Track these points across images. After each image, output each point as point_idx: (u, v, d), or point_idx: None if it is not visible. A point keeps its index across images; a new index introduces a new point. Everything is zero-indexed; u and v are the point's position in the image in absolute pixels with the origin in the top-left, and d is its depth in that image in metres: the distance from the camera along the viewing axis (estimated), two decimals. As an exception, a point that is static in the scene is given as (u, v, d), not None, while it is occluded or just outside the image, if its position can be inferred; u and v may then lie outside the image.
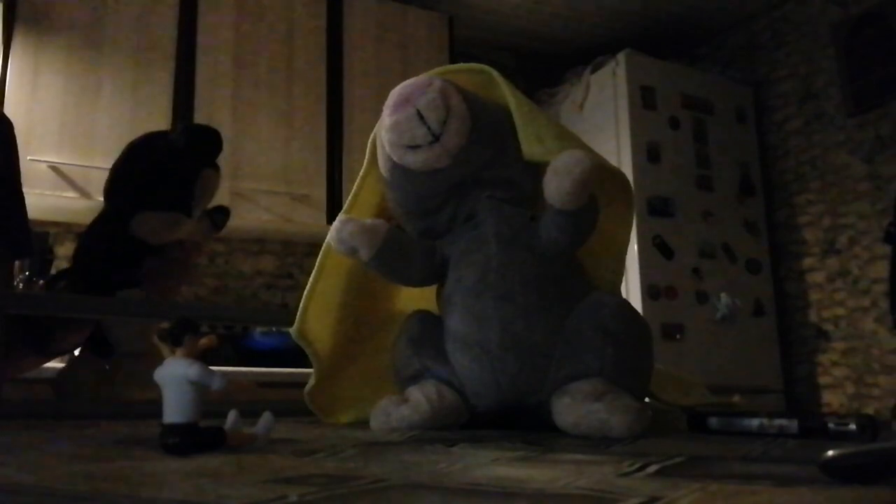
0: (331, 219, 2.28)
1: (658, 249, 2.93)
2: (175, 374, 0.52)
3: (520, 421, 0.79)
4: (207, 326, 2.10)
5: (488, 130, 0.82)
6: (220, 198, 1.35)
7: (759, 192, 3.28)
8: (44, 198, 2.31)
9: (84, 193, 2.35)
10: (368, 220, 0.82)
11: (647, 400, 0.86)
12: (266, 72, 2.72)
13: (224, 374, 0.53)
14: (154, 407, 0.55)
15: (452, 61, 2.89)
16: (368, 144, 0.90)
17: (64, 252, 2.44)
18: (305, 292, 0.87)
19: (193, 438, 0.52)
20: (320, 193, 2.71)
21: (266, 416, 0.58)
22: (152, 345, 1.22)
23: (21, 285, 2.02)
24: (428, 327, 0.83)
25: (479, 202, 0.83)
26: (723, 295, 3.00)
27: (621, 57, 3.08)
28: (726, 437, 0.68)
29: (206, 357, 0.62)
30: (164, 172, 1.21)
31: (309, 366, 0.88)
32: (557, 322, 0.77)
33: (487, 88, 0.87)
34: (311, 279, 0.87)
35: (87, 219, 1.30)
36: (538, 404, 0.77)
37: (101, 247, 1.21)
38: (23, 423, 0.78)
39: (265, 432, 0.58)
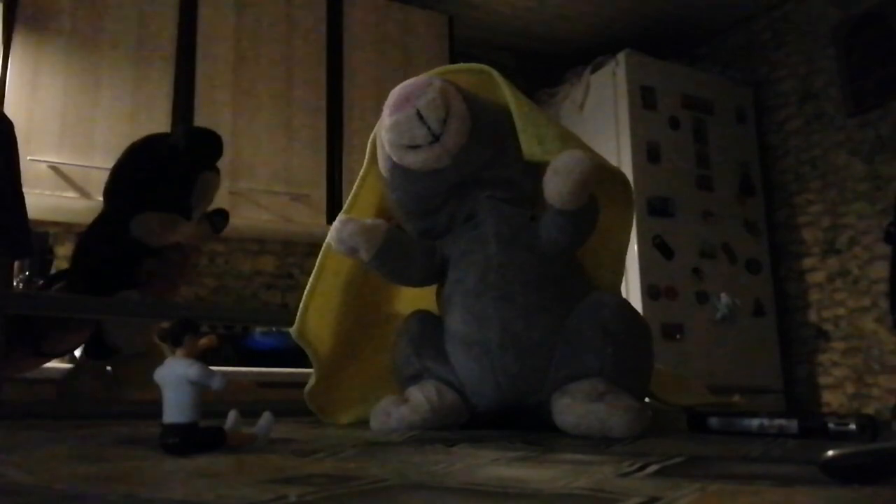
0: (331, 219, 2.28)
1: (658, 249, 2.93)
2: (175, 374, 0.52)
3: (520, 421, 0.79)
4: (207, 326, 2.10)
5: (488, 130, 0.82)
6: (220, 197, 1.35)
7: (759, 192, 3.28)
8: (44, 198, 2.31)
9: (84, 193, 2.35)
10: (368, 220, 0.82)
11: (647, 400, 0.86)
12: (266, 72, 2.72)
13: (224, 374, 0.53)
14: (154, 407, 0.55)
15: (452, 61, 2.89)
16: (368, 144, 0.90)
17: (64, 252, 2.44)
18: (305, 292, 0.87)
19: (193, 438, 0.52)
20: (320, 193, 2.71)
21: (266, 416, 0.58)
22: (152, 345, 1.22)
23: (21, 285, 2.03)
24: (428, 327, 0.83)
25: (479, 202, 0.83)
26: (723, 295, 3.00)
27: (621, 57, 3.08)
28: (726, 437, 0.68)
29: (206, 357, 0.62)
30: (164, 174, 1.21)
31: (309, 366, 0.88)
32: (557, 322, 0.77)
33: (487, 88, 0.87)
34: (311, 279, 0.87)
35: (86, 219, 1.30)
36: (538, 404, 0.77)
37: (100, 247, 1.21)
38: (23, 423, 0.78)
39: (265, 432, 0.58)
